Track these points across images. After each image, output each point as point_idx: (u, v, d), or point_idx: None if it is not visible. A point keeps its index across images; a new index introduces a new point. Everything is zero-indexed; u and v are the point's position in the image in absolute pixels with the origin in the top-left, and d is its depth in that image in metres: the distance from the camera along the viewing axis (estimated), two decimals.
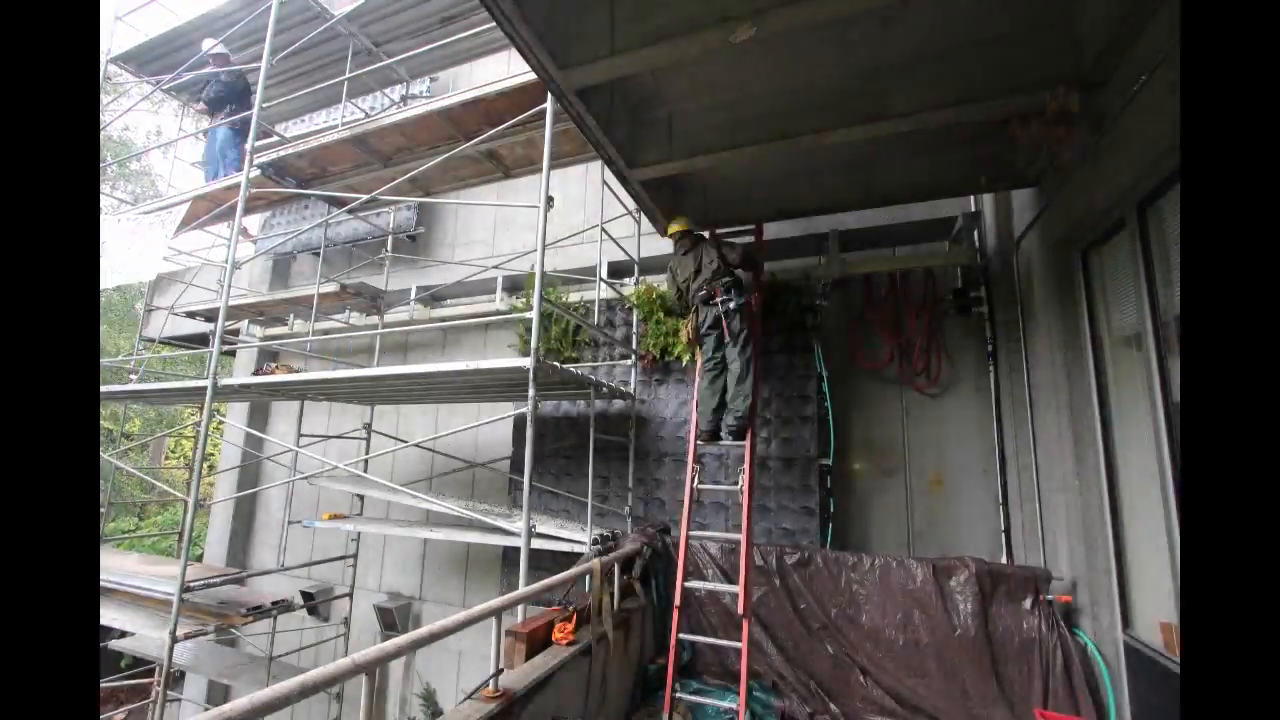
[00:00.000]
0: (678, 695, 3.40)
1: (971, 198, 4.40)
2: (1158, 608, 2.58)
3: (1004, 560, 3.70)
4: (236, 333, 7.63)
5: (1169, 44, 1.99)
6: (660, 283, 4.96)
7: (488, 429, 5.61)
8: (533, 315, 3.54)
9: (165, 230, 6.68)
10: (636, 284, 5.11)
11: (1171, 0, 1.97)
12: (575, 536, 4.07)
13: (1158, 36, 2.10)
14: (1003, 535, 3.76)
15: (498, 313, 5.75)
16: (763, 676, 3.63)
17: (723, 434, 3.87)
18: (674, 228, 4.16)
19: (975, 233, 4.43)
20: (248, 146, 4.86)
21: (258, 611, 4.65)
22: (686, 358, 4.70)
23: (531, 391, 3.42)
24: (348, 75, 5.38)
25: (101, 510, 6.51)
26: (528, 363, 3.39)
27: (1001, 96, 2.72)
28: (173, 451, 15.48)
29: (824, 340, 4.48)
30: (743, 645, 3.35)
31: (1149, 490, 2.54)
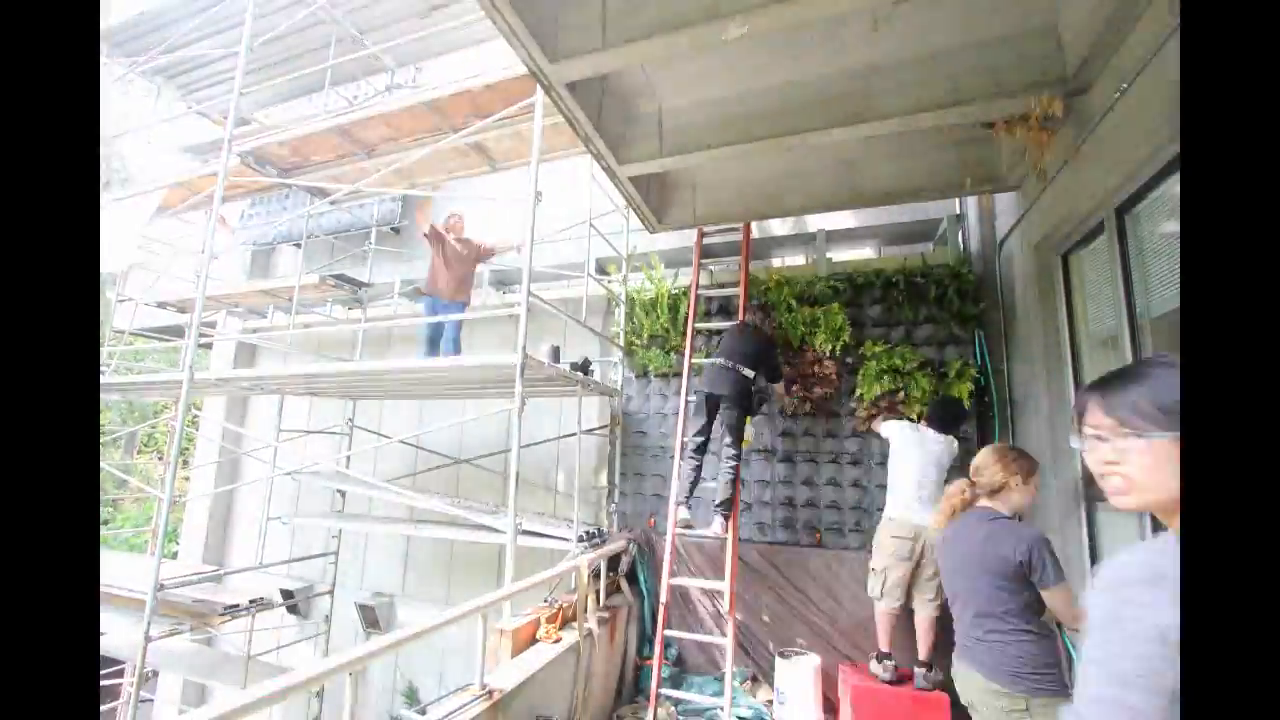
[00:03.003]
0: (663, 692, 3.42)
1: (956, 200, 4.46)
2: None
3: None
4: (213, 325, 7.44)
5: (1150, 52, 2.02)
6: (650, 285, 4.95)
7: (472, 424, 5.55)
8: (520, 311, 3.51)
9: (139, 215, 6.45)
10: (625, 280, 5.09)
11: (1155, 9, 2.00)
12: (561, 533, 4.05)
13: (1140, 45, 2.14)
14: None
15: (485, 307, 5.69)
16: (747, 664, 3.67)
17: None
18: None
19: (959, 235, 4.49)
20: (226, 135, 4.72)
21: (234, 610, 4.56)
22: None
23: (518, 388, 3.39)
24: (331, 63, 5.26)
25: None
26: (514, 358, 3.36)
27: (988, 100, 2.75)
28: (145, 446, 15.06)
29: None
30: (729, 642, 3.37)
31: None
